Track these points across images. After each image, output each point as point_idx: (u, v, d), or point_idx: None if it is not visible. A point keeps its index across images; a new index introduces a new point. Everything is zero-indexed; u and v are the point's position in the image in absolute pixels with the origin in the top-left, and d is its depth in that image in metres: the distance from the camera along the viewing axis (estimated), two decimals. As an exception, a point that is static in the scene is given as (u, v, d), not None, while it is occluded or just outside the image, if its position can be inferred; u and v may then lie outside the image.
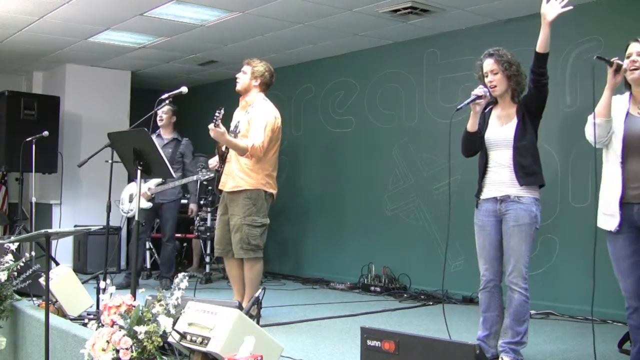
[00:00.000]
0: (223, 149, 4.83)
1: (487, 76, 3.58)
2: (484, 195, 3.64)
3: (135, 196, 6.38)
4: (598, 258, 4.33)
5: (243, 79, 4.83)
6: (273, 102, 4.93)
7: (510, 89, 3.57)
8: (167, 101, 4.16)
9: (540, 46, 3.33)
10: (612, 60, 3.12)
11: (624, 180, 3.11)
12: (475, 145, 3.68)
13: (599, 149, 3.31)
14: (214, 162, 5.03)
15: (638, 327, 3.19)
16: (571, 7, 3.26)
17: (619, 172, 3.12)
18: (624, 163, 3.13)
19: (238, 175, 4.69)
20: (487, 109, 3.71)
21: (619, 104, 3.22)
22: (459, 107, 3.54)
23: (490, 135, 3.62)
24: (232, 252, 4.76)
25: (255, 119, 4.68)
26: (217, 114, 4.34)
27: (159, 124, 6.42)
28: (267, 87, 4.90)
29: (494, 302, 3.63)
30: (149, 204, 6.24)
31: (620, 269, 3.19)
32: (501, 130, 3.58)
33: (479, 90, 3.57)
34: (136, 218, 3.74)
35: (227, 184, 4.77)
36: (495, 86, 3.56)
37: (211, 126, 4.36)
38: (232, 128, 4.79)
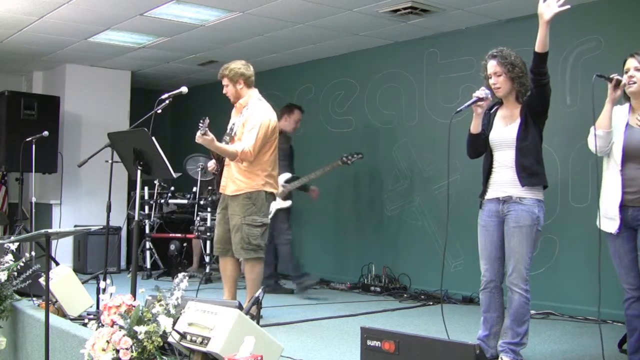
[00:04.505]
0: None
1: (490, 78, 3.55)
2: (487, 196, 3.62)
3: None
4: (598, 258, 4.32)
5: (230, 90, 4.79)
6: (273, 102, 4.92)
7: (515, 90, 3.54)
8: (167, 101, 4.16)
9: (539, 46, 3.31)
10: (611, 76, 3.30)
11: (623, 186, 3.32)
12: (479, 147, 3.67)
13: None
14: (212, 164, 5.02)
15: (637, 316, 3.37)
16: (568, 6, 3.23)
17: (619, 178, 3.33)
18: (623, 170, 3.32)
19: (238, 178, 4.68)
20: (493, 109, 3.69)
21: (619, 115, 3.41)
22: (459, 109, 3.52)
23: (494, 135, 3.60)
24: (231, 252, 4.75)
25: (249, 121, 4.66)
26: (200, 124, 4.24)
27: None
28: (251, 79, 4.80)
29: (495, 303, 3.62)
30: (288, 202, 6.17)
31: (622, 265, 3.39)
32: (505, 131, 3.56)
33: (480, 92, 3.54)
34: (136, 218, 3.74)
35: (227, 187, 4.75)
36: (499, 88, 3.53)
37: (198, 134, 4.28)
38: (227, 130, 4.77)
